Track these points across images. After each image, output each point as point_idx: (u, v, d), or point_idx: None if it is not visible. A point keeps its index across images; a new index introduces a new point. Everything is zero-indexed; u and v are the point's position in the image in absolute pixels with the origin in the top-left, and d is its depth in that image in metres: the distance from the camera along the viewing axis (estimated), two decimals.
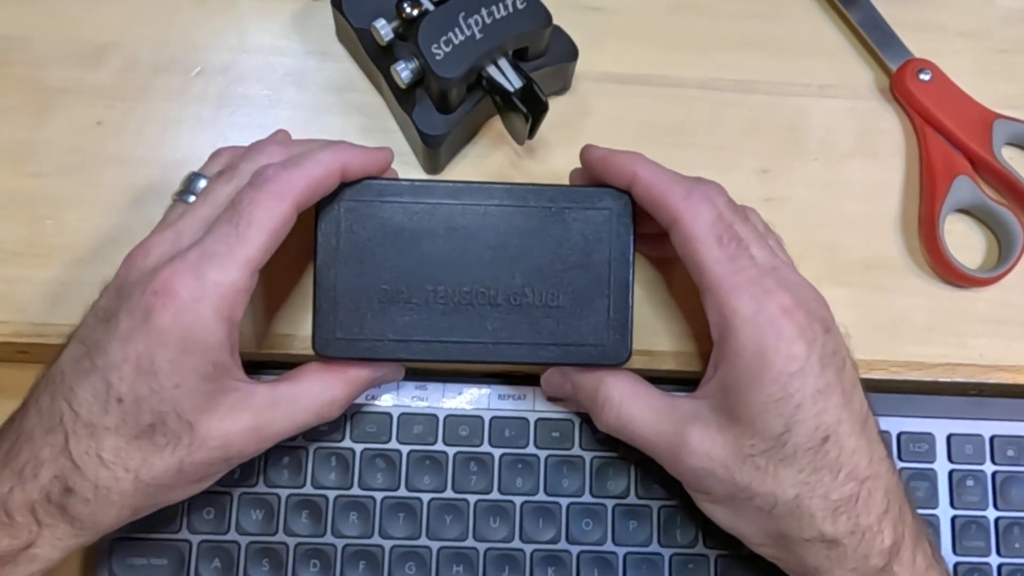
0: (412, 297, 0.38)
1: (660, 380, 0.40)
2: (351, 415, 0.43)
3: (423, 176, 0.45)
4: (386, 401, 0.43)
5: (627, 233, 0.38)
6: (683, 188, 0.36)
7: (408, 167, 0.45)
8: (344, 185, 0.37)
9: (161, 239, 0.35)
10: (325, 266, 0.37)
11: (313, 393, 0.38)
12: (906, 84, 0.46)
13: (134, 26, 0.46)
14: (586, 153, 0.39)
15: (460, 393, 0.43)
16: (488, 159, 0.46)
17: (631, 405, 0.38)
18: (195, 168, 0.39)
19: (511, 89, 0.41)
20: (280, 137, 0.40)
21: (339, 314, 0.37)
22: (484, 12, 0.40)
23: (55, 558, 0.34)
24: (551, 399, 0.44)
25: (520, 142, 0.43)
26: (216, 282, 0.33)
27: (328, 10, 0.45)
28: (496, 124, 0.46)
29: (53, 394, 0.33)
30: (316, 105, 0.46)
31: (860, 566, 0.35)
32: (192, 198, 0.37)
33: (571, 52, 0.44)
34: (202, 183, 0.37)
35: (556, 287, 0.38)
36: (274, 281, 0.43)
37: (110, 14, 0.46)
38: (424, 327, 0.38)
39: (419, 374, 0.43)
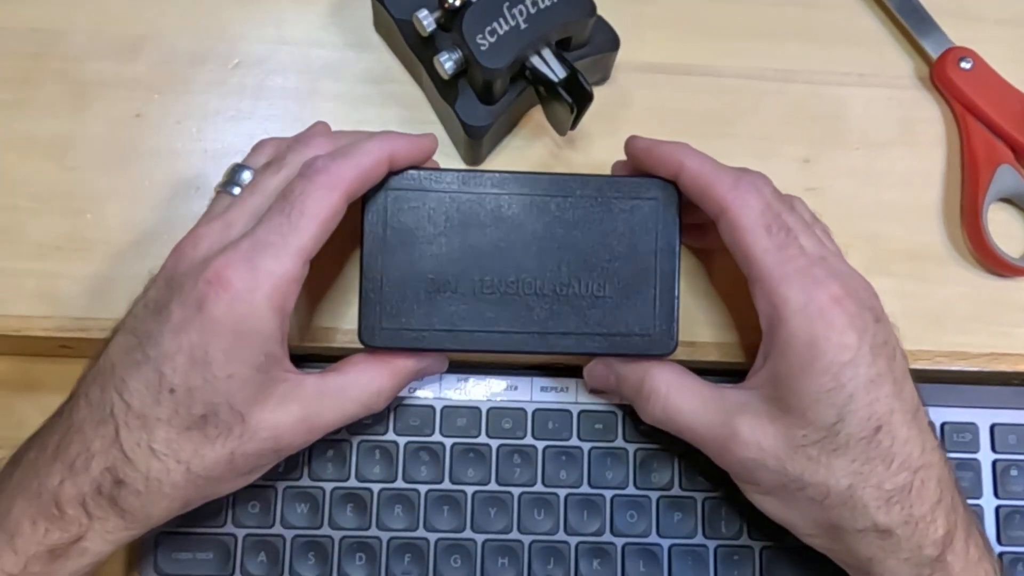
0: (458, 287, 0.38)
1: (703, 371, 0.40)
2: (394, 408, 0.43)
3: (464, 167, 0.45)
4: (429, 394, 0.43)
5: (673, 223, 0.38)
6: (730, 178, 0.36)
7: (448, 158, 0.44)
8: (390, 174, 0.37)
9: (210, 230, 0.35)
10: (371, 256, 0.37)
11: (360, 384, 0.38)
12: (947, 73, 0.46)
13: (170, 18, 0.46)
14: (631, 144, 0.39)
15: (503, 386, 0.43)
16: (528, 150, 0.45)
17: (678, 396, 0.38)
18: (237, 160, 0.39)
19: (555, 79, 0.40)
20: (323, 129, 0.40)
21: (385, 304, 0.37)
22: (528, 2, 0.40)
23: (104, 552, 0.34)
24: (593, 392, 0.43)
25: (562, 133, 0.43)
26: (270, 271, 0.33)
27: (365, 1, 0.45)
28: (535, 114, 0.45)
29: (103, 386, 0.33)
30: (354, 96, 0.45)
31: (913, 556, 0.34)
32: (236, 189, 0.37)
33: (613, 42, 0.44)
34: (246, 174, 0.37)
35: (602, 277, 0.38)
36: (316, 274, 0.42)
37: (145, 6, 0.46)
38: (470, 317, 0.38)
39: (462, 367, 0.43)
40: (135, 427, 0.33)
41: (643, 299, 0.38)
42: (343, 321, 0.43)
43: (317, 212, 0.34)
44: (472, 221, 0.38)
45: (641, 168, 0.39)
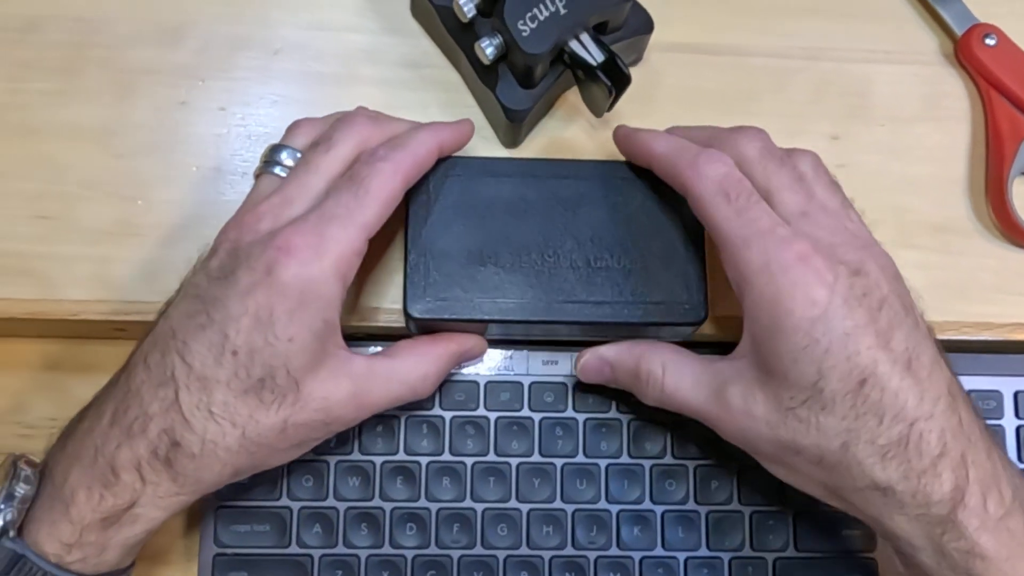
0: (499, 261, 0.39)
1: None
2: (440, 385, 0.44)
3: (501, 150, 0.46)
4: (473, 370, 0.45)
5: None
6: (690, 154, 0.37)
7: (486, 141, 0.46)
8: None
9: (270, 205, 0.36)
10: (415, 233, 0.39)
11: (407, 367, 0.39)
12: (972, 49, 0.47)
13: (211, 5, 0.47)
14: (615, 134, 0.41)
15: (543, 361, 0.45)
16: (564, 131, 0.46)
17: (674, 375, 0.39)
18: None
19: (594, 63, 0.41)
20: (363, 110, 0.41)
21: (430, 277, 0.39)
22: None
23: (156, 518, 0.35)
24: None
25: (598, 114, 0.44)
26: (337, 239, 0.35)
27: None
28: (570, 96, 0.47)
29: (164, 350, 0.34)
30: (393, 81, 0.46)
31: (924, 513, 0.34)
32: (277, 168, 0.38)
33: (647, 24, 0.45)
34: (285, 154, 0.39)
35: (634, 251, 0.40)
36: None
37: None
38: (511, 288, 0.39)
39: (503, 343, 0.45)
40: (195, 389, 0.34)
41: (674, 272, 0.40)
42: (385, 300, 0.44)
43: (380, 193, 0.36)
44: (511, 201, 0.40)
45: (625, 156, 0.41)
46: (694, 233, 0.40)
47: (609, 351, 0.41)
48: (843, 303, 0.34)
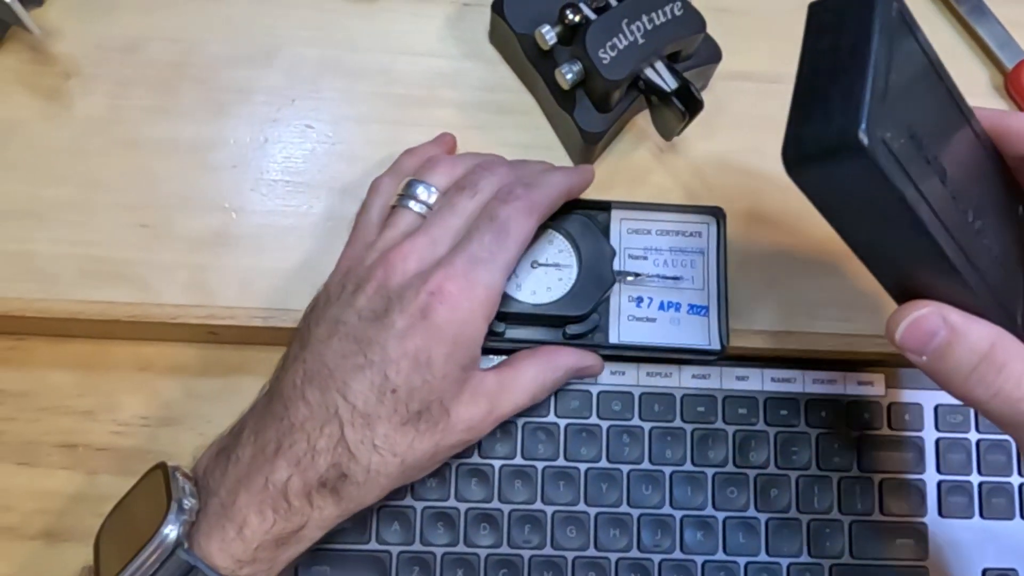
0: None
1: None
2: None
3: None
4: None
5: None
6: None
7: (559, 159, 0.48)
8: None
9: (416, 245, 0.38)
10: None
11: (529, 376, 0.42)
12: (1021, 82, 0.50)
13: (299, 30, 0.50)
14: (978, 112, 0.36)
15: (611, 372, 0.47)
16: (633, 153, 0.49)
17: None
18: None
19: (668, 89, 0.44)
20: (499, 159, 0.44)
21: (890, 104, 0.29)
22: (645, 19, 0.43)
23: (317, 537, 0.38)
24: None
25: (668, 138, 0.47)
26: (485, 284, 0.37)
27: (478, 13, 0.49)
28: (639, 120, 0.49)
29: (323, 388, 0.37)
30: (471, 103, 0.49)
31: None
32: (413, 203, 0.41)
33: (716, 54, 0.47)
34: (420, 189, 0.41)
35: None
36: None
37: (275, 19, 0.50)
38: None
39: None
40: (359, 425, 0.36)
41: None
42: None
43: (519, 233, 0.38)
44: None
45: (991, 136, 0.36)
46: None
47: (956, 315, 0.32)
48: None
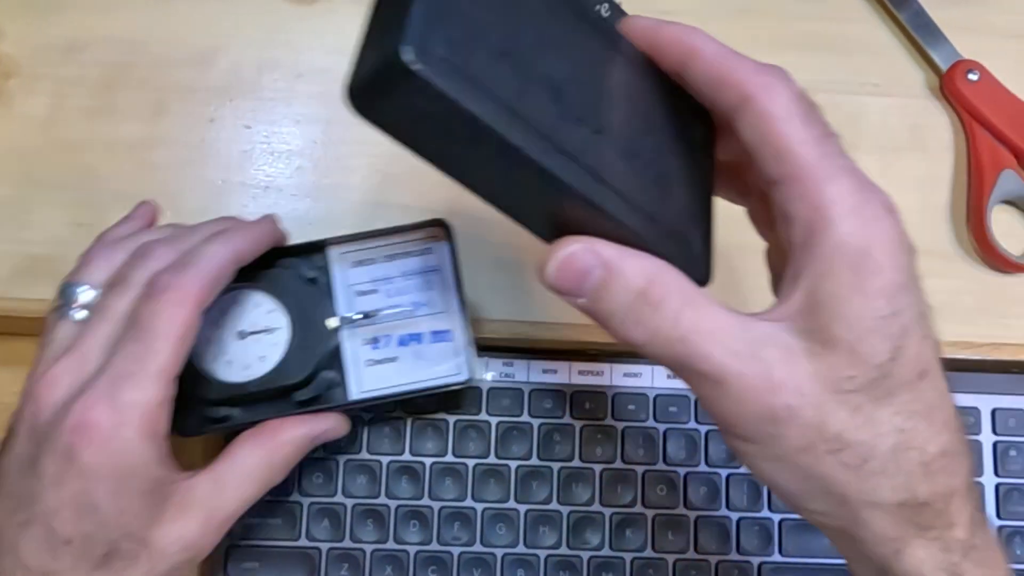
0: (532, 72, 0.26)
1: None
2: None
3: None
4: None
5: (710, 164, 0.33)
6: (752, 63, 0.29)
7: None
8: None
9: (65, 367, 0.34)
10: None
11: (251, 464, 0.37)
12: (955, 84, 0.50)
13: (240, 31, 0.50)
14: (629, 24, 0.30)
15: (543, 370, 0.47)
16: None
17: (694, 311, 0.27)
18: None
19: None
20: (165, 232, 0.39)
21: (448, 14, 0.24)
22: None
23: None
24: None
25: None
26: (134, 403, 0.32)
27: None
28: None
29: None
30: None
31: (944, 539, 0.28)
32: (73, 311, 0.36)
33: None
34: (80, 291, 0.36)
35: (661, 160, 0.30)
36: None
37: (217, 20, 0.50)
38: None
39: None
40: None
41: (679, 206, 0.30)
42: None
43: (170, 331, 0.33)
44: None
45: (644, 51, 0.30)
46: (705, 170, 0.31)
47: (610, 250, 0.27)
48: (915, 282, 0.28)
